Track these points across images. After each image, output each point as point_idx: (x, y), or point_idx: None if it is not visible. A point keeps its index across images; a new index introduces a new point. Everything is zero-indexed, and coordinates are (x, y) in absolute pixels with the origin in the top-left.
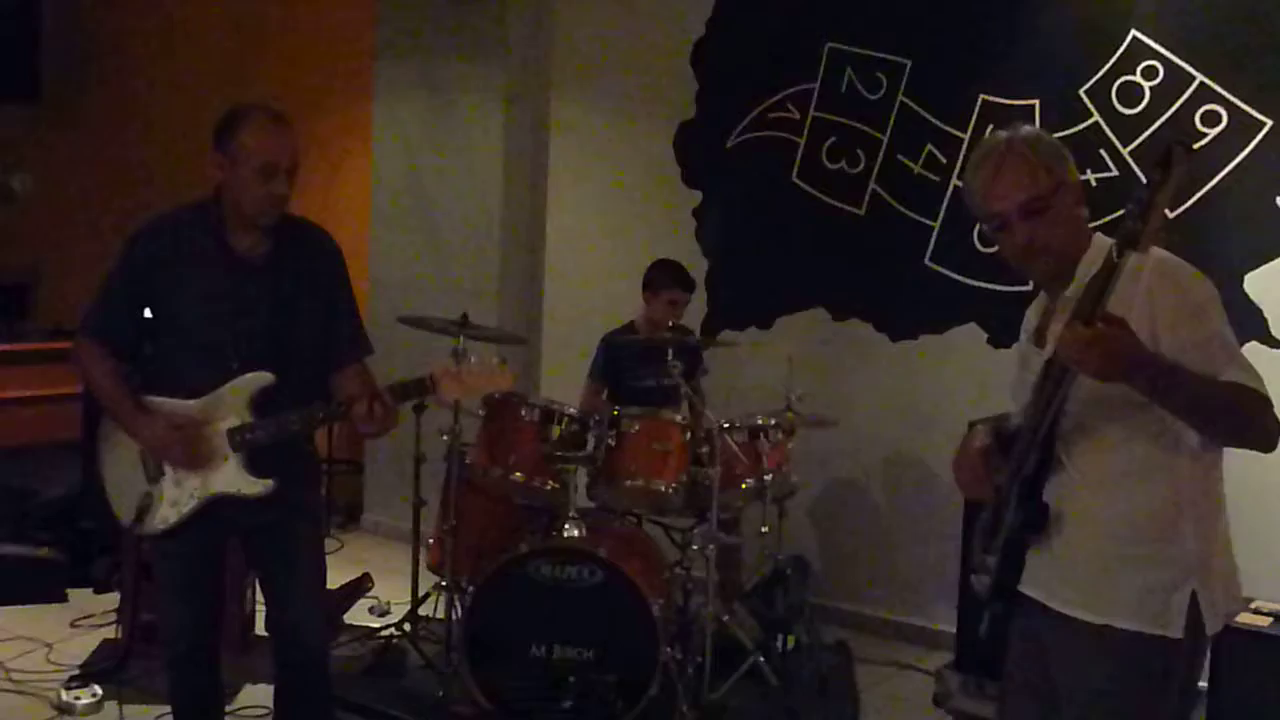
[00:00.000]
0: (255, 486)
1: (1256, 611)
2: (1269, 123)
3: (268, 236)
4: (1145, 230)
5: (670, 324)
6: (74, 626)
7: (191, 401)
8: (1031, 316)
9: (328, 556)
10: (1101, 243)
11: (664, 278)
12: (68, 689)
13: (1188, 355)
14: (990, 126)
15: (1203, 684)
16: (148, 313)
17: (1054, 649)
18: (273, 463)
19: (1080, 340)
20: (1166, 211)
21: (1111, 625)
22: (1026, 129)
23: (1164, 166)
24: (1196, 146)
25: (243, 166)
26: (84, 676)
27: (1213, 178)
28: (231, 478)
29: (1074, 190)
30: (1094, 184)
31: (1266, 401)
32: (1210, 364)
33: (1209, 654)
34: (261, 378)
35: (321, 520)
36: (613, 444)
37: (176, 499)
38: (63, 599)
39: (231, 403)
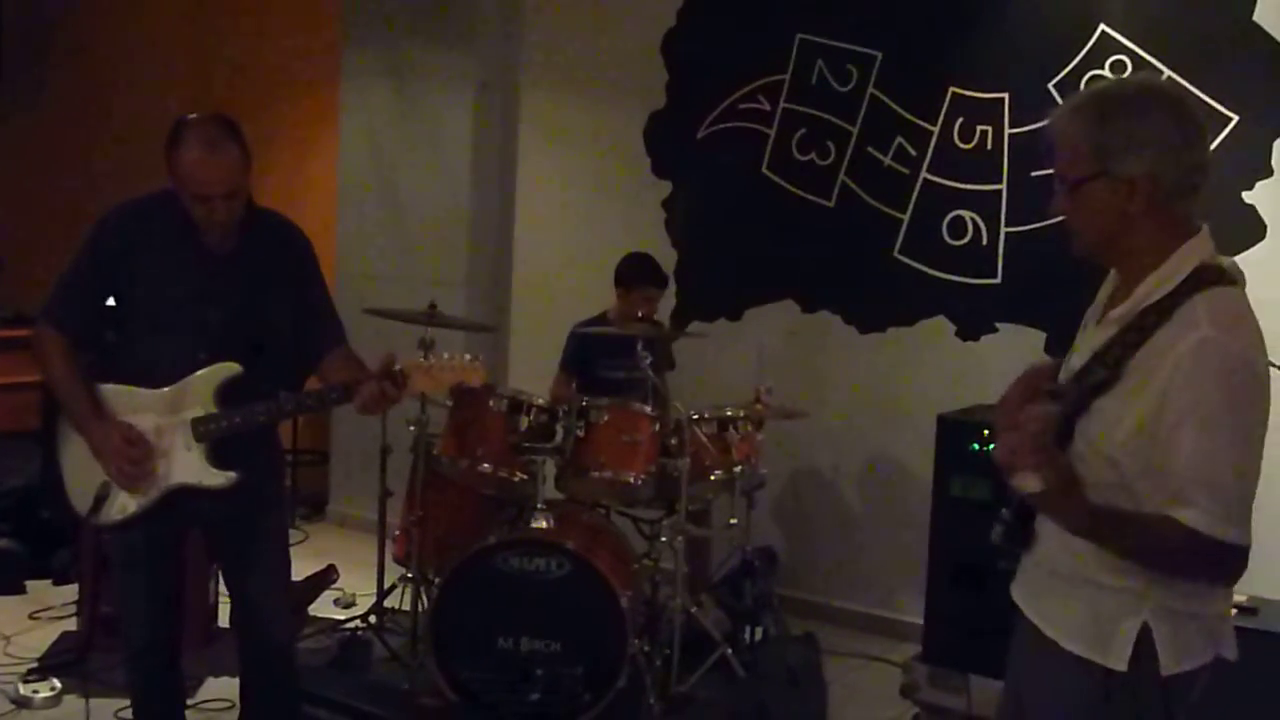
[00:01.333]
0: (217, 478)
1: None
2: (1235, 117)
3: (235, 231)
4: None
5: (640, 316)
6: (32, 619)
7: (157, 391)
8: (1101, 295)
9: (292, 548)
10: (1181, 265)
11: (639, 275)
12: (25, 682)
13: (1173, 465)
14: (960, 120)
15: None
16: (111, 301)
17: (1020, 652)
18: (237, 454)
19: (1019, 447)
20: None
21: (1058, 643)
22: (1109, 89)
23: None
24: None
25: (181, 188)
26: (43, 669)
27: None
28: (194, 469)
29: (1129, 187)
30: None
31: (1224, 550)
32: (1183, 487)
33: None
34: (228, 368)
35: (286, 512)
36: (581, 435)
37: (131, 495)
38: (21, 590)
39: (197, 393)
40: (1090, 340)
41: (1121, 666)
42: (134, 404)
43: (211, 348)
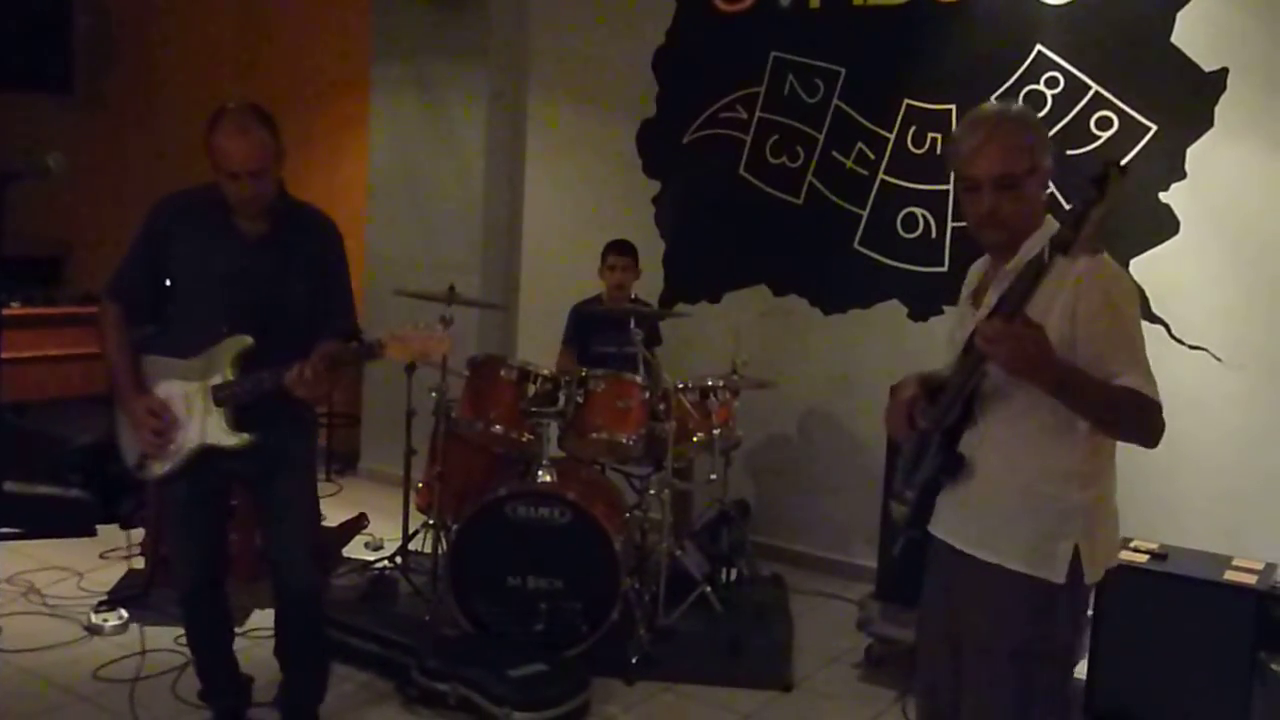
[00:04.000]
0: (233, 438)
1: (1135, 550)
2: (1154, 127)
3: (268, 218)
4: (1076, 239)
5: (633, 297)
6: (103, 558)
7: (187, 360)
8: (972, 277)
9: (327, 499)
10: (1051, 226)
11: (608, 248)
12: (97, 612)
13: (1097, 345)
14: (913, 128)
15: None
16: (168, 281)
17: (956, 587)
18: (260, 418)
19: (997, 334)
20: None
21: (1004, 566)
22: (1022, 110)
23: (1100, 185)
24: (1092, 148)
25: (215, 167)
26: (111, 602)
27: None
28: (214, 430)
29: (1044, 175)
30: None
31: (1156, 407)
32: (1114, 359)
33: (1093, 595)
34: (242, 341)
35: (313, 468)
36: (581, 401)
37: (170, 452)
38: (93, 533)
39: (219, 362)
40: (987, 301)
41: (1061, 580)
42: (168, 371)
43: (233, 322)
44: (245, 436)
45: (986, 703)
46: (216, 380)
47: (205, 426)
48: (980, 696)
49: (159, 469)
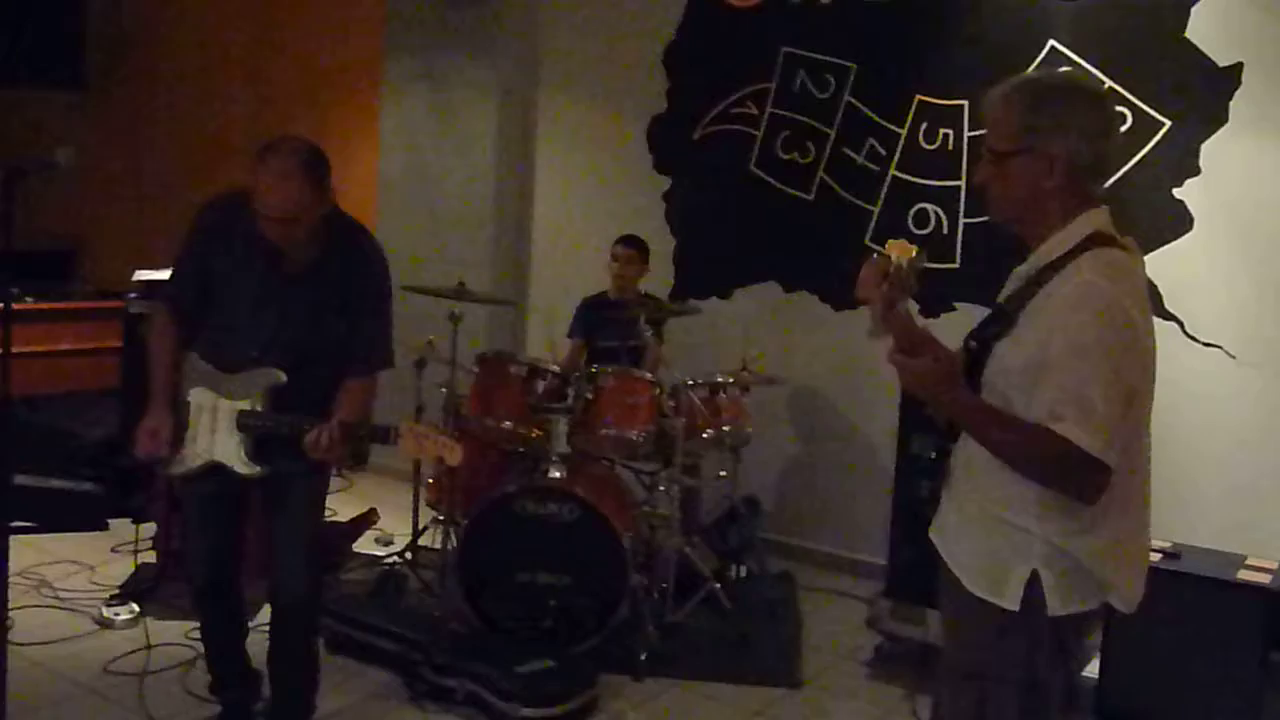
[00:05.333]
0: (247, 469)
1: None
2: (1167, 123)
3: (313, 244)
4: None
5: (642, 293)
6: (114, 552)
7: (226, 374)
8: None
9: (339, 495)
10: (1078, 230)
11: (616, 241)
12: (108, 606)
13: (1045, 389)
14: (924, 124)
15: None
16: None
17: (942, 590)
18: (274, 452)
19: (896, 363)
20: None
21: (959, 581)
22: (1043, 79)
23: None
24: None
25: (255, 199)
26: (123, 595)
27: (1118, 170)
28: (231, 453)
29: (1049, 163)
30: None
31: (1086, 460)
32: (1053, 407)
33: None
34: (275, 376)
35: (325, 477)
36: (590, 397)
37: (188, 455)
38: (104, 527)
39: (248, 388)
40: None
41: (1014, 607)
42: (206, 379)
43: (263, 349)
44: (258, 469)
45: (948, 717)
46: (245, 406)
47: (225, 447)
48: (946, 712)
49: (181, 466)
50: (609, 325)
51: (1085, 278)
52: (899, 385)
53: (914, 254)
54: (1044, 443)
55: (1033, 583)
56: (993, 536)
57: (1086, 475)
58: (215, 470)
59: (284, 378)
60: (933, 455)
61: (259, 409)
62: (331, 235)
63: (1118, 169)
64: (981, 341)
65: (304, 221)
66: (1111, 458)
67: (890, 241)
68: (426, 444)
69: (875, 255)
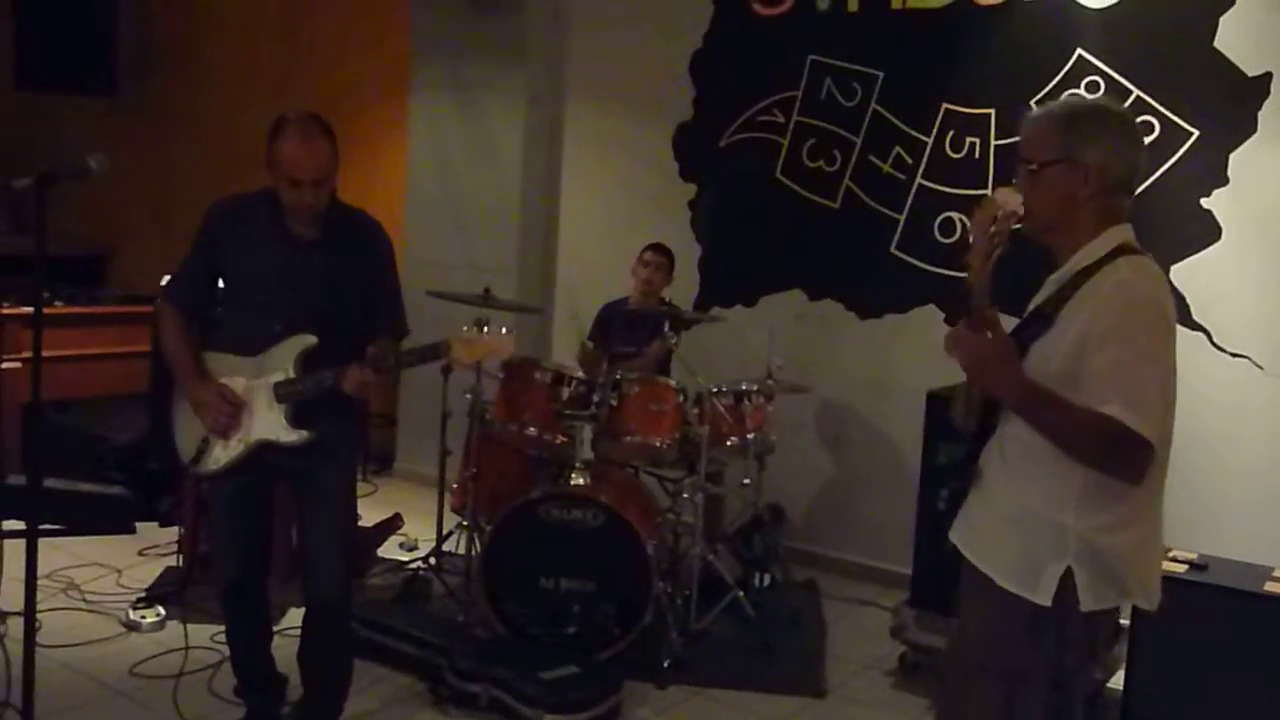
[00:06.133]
0: (293, 435)
1: (1174, 559)
2: (1195, 132)
3: (319, 222)
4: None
5: (665, 300)
6: (141, 555)
7: (248, 357)
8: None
9: (364, 500)
10: (1108, 241)
11: (644, 247)
12: (135, 609)
13: (1091, 379)
14: (951, 132)
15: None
16: (221, 282)
17: (963, 592)
18: (314, 417)
19: (956, 337)
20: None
21: (992, 580)
22: (1077, 101)
23: None
24: None
25: (276, 173)
26: (150, 599)
27: (1145, 180)
28: (274, 426)
29: (1084, 173)
30: None
31: (1136, 443)
32: (1102, 394)
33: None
34: (306, 340)
35: (354, 471)
36: (615, 404)
37: (228, 443)
38: (132, 531)
39: (280, 360)
40: (1034, 301)
41: (1046, 602)
42: (229, 368)
43: (286, 322)
44: (305, 433)
45: (971, 717)
46: (279, 378)
47: (266, 423)
48: (971, 711)
49: (216, 461)
50: (626, 331)
51: (1124, 276)
52: (959, 366)
53: (1019, 203)
54: (1094, 423)
55: (1066, 579)
56: (1028, 534)
57: (1135, 456)
58: (249, 461)
59: (314, 340)
60: (963, 457)
61: (294, 375)
62: (333, 210)
63: (1174, 189)
64: (1020, 343)
65: (330, 185)
66: (1156, 441)
67: (999, 189)
68: (478, 347)
69: (985, 197)
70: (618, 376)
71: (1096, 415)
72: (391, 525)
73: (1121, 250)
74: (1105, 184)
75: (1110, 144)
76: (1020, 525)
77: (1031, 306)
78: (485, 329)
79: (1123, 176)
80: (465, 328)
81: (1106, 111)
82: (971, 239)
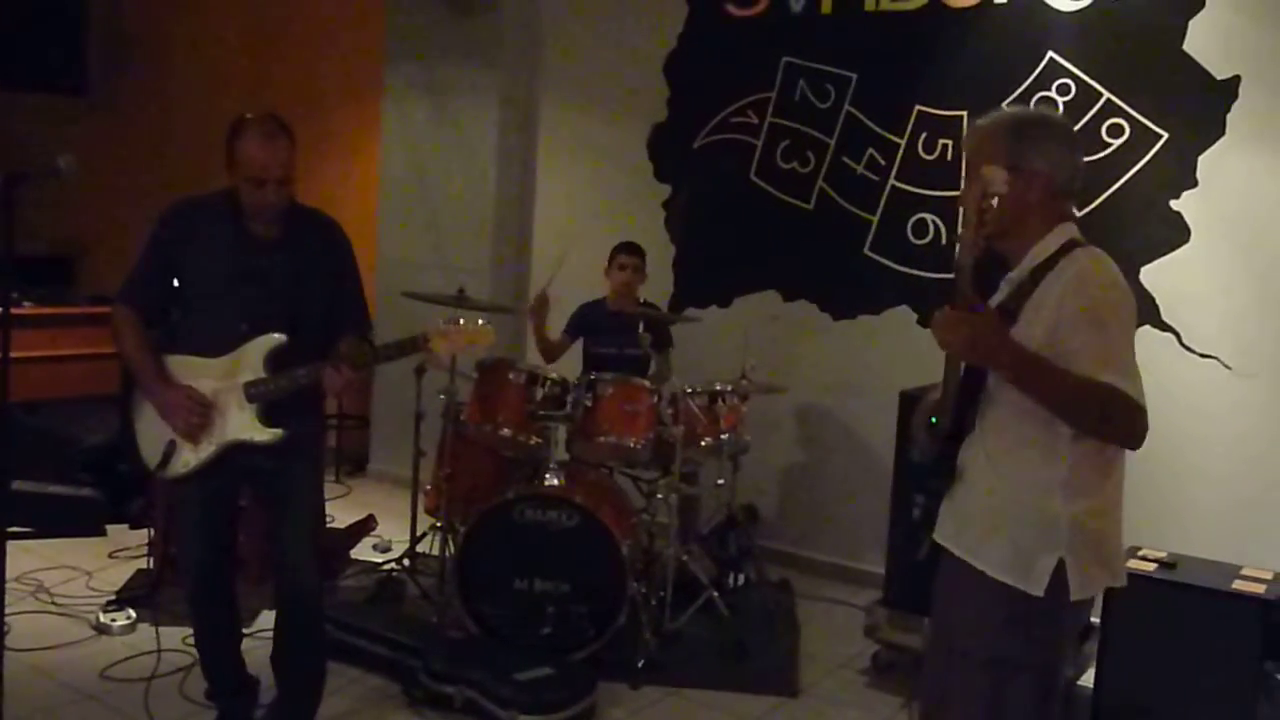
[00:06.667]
0: (266, 434)
1: (1143, 558)
2: (1165, 135)
3: (279, 223)
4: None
5: (640, 300)
6: (111, 557)
7: (214, 359)
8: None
9: (337, 501)
10: (1057, 238)
11: (616, 248)
12: (105, 612)
13: (1078, 356)
14: (924, 134)
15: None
16: (175, 282)
17: (946, 587)
18: (284, 416)
19: (945, 320)
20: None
21: (985, 574)
22: (1026, 113)
23: None
24: (1103, 155)
25: (238, 173)
26: (120, 601)
27: (1115, 182)
28: (246, 426)
29: (1036, 180)
30: None
31: (1135, 407)
32: (1093, 367)
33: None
34: (274, 338)
35: (323, 468)
36: (589, 405)
37: (198, 446)
38: (102, 533)
39: (249, 360)
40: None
41: (1039, 593)
42: (194, 371)
43: (252, 321)
44: (277, 431)
45: (960, 708)
46: (249, 377)
47: (238, 423)
48: (956, 701)
49: (185, 464)
50: (606, 333)
51: (1084, 264)
52: (949, 350)
53: (1005, 180)
54: (1095, 389)
55: (1058, 569)
56: (1019, 525)
57: (1135, 420)
58: (217, 463)
59: (283, 338)
60: (935, 458)
61: (264, 375)
62: (292, 210)
63: (1143, 191)
64: None
65: (292, 184)
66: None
67: (987, 166)
68: (457, 338)
69: (976, 173)
70: (592, 378)
71: (1095, 383)
72: (365, 527)
73: (1072, 245)
74: (1052, 189)
75: (1055, 151)
76: (1010, 516)
77: (997, 304)
78: (463, 322)
79: (1067, 180)
80: (444, 321)
81: (1049, 120)
82: (961, 213)
